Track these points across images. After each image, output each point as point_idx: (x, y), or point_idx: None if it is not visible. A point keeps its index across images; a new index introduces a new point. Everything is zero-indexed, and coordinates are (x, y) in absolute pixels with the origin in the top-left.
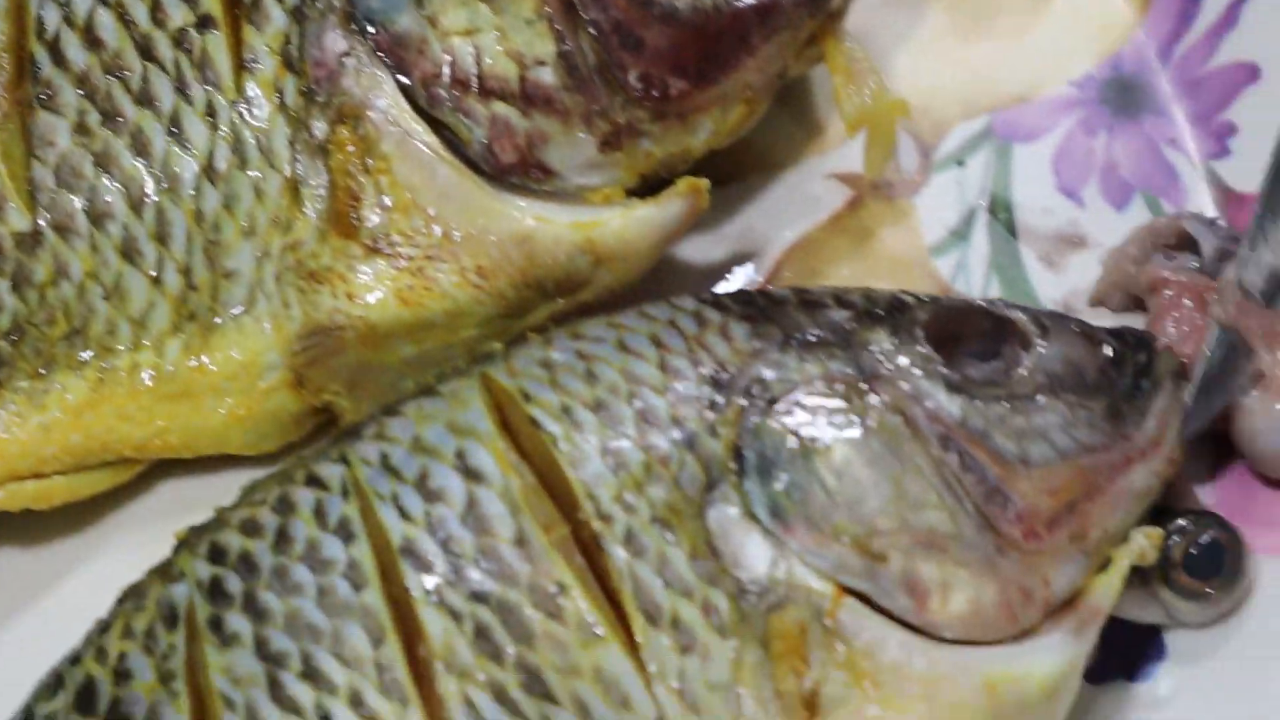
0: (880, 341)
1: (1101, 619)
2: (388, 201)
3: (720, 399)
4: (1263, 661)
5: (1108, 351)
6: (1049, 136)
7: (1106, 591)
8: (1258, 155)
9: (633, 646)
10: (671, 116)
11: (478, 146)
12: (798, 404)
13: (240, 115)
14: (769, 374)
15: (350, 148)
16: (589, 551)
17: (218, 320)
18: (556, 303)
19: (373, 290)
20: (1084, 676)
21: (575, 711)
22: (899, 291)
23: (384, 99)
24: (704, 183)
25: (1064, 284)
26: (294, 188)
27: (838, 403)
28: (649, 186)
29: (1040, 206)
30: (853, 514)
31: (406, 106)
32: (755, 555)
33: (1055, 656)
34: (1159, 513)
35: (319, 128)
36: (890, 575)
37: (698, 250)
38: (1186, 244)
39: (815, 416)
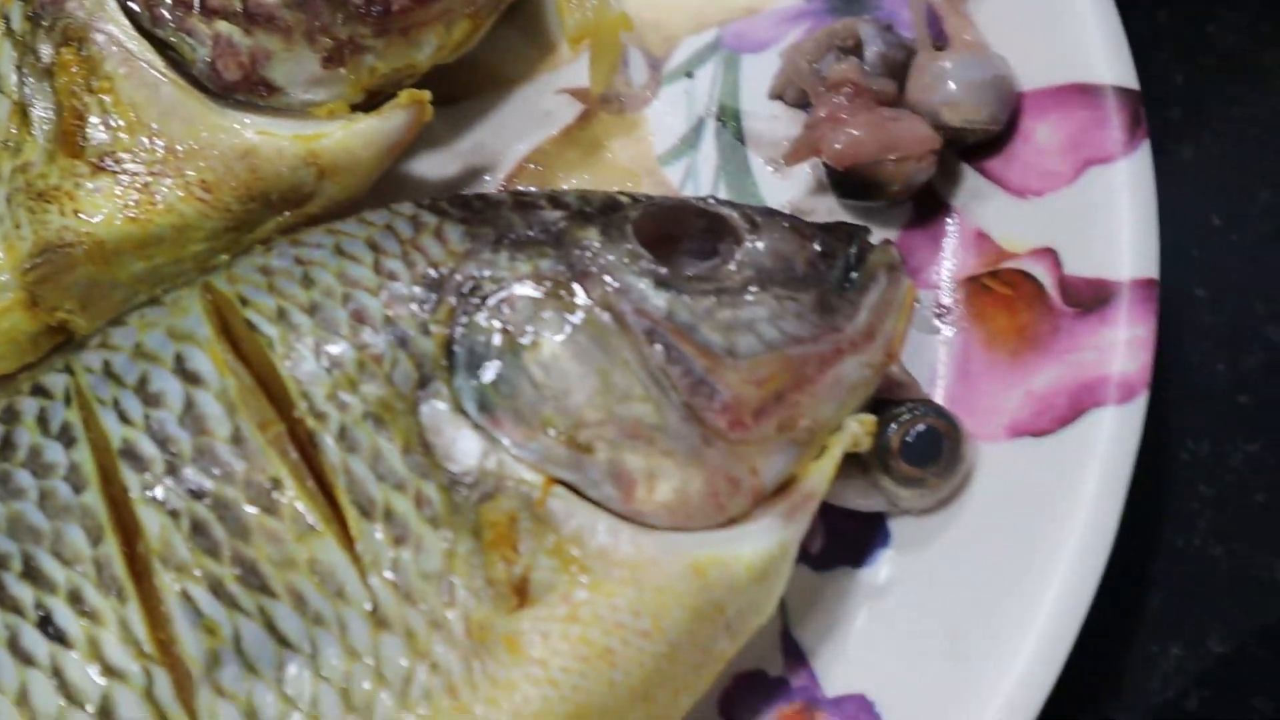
0: (590, 240)
1: (813, 505)
2: (112, 121)
3: (433, 298)
4: (980, 544)
5: (817, 246)
6: (776, 46)
7: (819, 478)
8: None
9: (348, 539)
10: (394, 32)
11: (202, 65)
12: (507, 301)
13: None
14: (481, 273)
15: (75, 69)
16: (305, 448)
17: None
18: (283, 216)
19: (100, 207)
20: (812, 565)
21: (292, 603)
22: (616, 193)
23: (108, 20)
24: (425, 94)
25: (791, 188)
26: (22, 111)
27: (546, 299)
28: (377, 102)
29: (767, 114)
30: (560, 407)
31: (130, 27)
32: (466, 449)
33: (763, 540)
34: (880, 404)
35: (45, 51)
36: (597, 466)
37: (432, 166)
38: (859, 48)
39: (524, 313)
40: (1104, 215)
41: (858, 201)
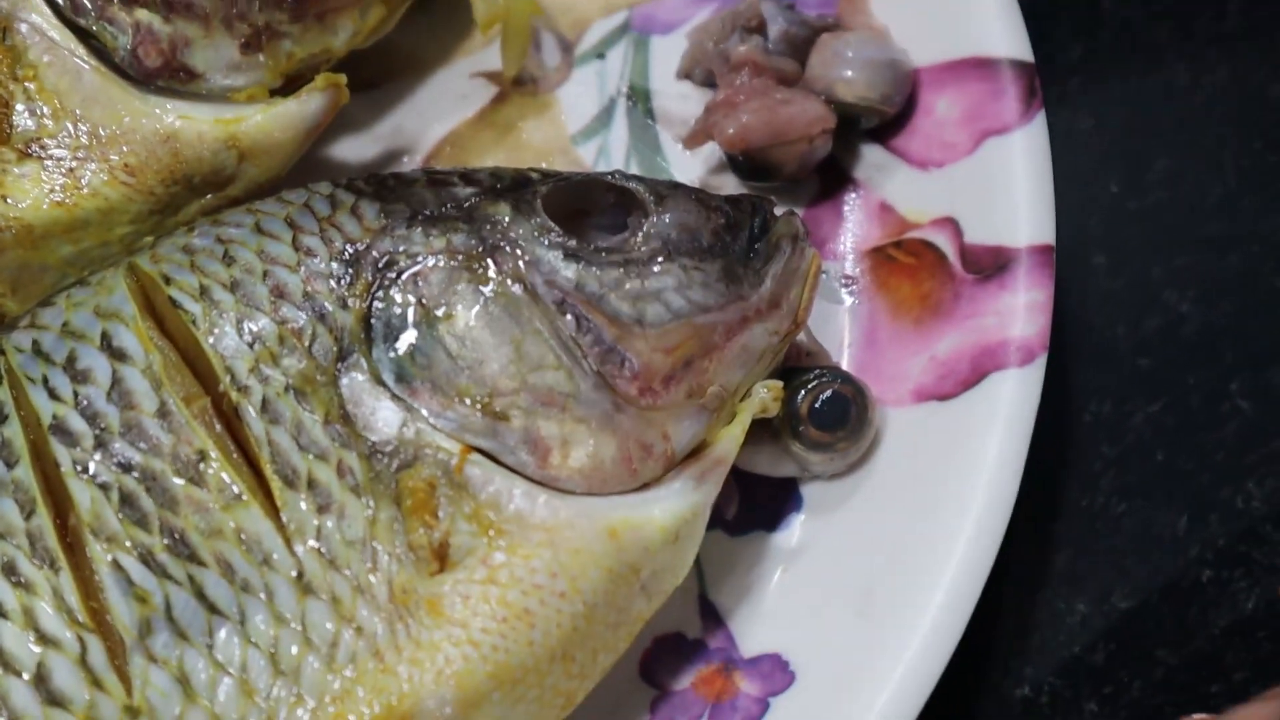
0: (501, 215)
1: (724, 469)
2: (38, 108)
3: (350, 273)
4: (888, 506)
5: (723, 218)
6: (684, 28)
7: (729, 443)
8: None
9: (273, 508)
10: (310, 18)
11: (123, 53)
12: (422, 275)
13: None
14: (396, 248)
15: None
16: (229, 421)
17: None
18: (206, 198)
19: (27, 193)
20: (727, 530)
21: (220, 571)
22: (526, 170)
23: (30, 10)
24: (341, 78)
25: (699, 165)
26: None
27: (459, 273)
28: (295, 86)
29: (677, 93)
30: (475, 376)
31: (52, 17)
32: (385, 419)
33: (675, 504)
34: (789, 371)
35: None
36: (513, 433)
37: (351, 150)
38: (763, 28)
39: (438, 286)
40: (1001, 184)
41: (757, 183)
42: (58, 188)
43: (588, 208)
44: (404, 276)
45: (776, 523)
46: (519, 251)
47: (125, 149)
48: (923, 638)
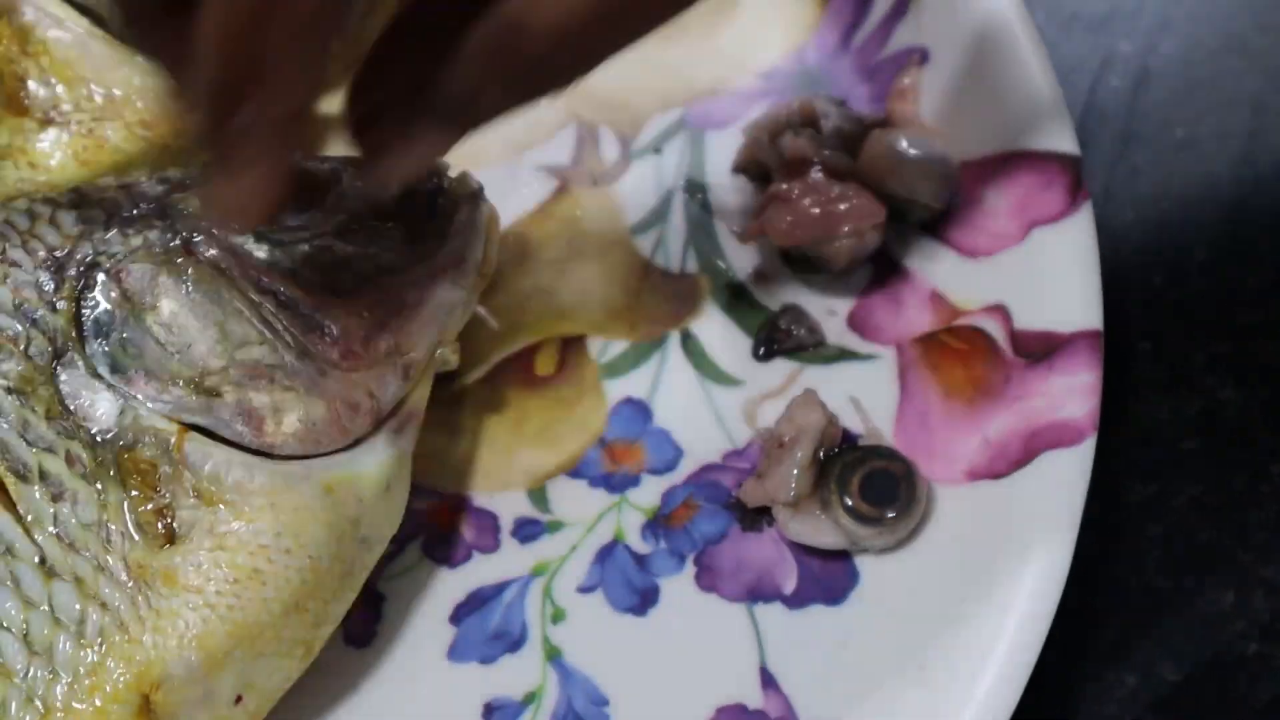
0: (192, 207)
1: (418, 420)
2: (52, 79)
3: (55, 279)
4: (943, 580)
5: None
6: (738, 123)
7: (419, 397)
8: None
9: (9, 502)
10: None
11: (116, 25)
12: (124, 273)
13: None
14: (96, 251)
15: (7, 40)
16: None
17: None
18: None
19: (51, 155)
20: (786, 603)
21: None
22: None
23: None
24: None
25: (755, 256)
26: None
27: (159, 267)
28: None
29: (732, 186)
30: (185, 360)
31: None
32: (104, 408)
33: (381, 455)
34: (843, 450)
35: None
36: (226, 407)
37: None
38: (816, 123)
39: (140, 281)
40: (1050, 272)
41: (809, 275)
42: (81, 148)
43: None
44: (106, 276)
45: (834, 597)
46: (212, 240)
47: (140, 105)
48: (977, 707)
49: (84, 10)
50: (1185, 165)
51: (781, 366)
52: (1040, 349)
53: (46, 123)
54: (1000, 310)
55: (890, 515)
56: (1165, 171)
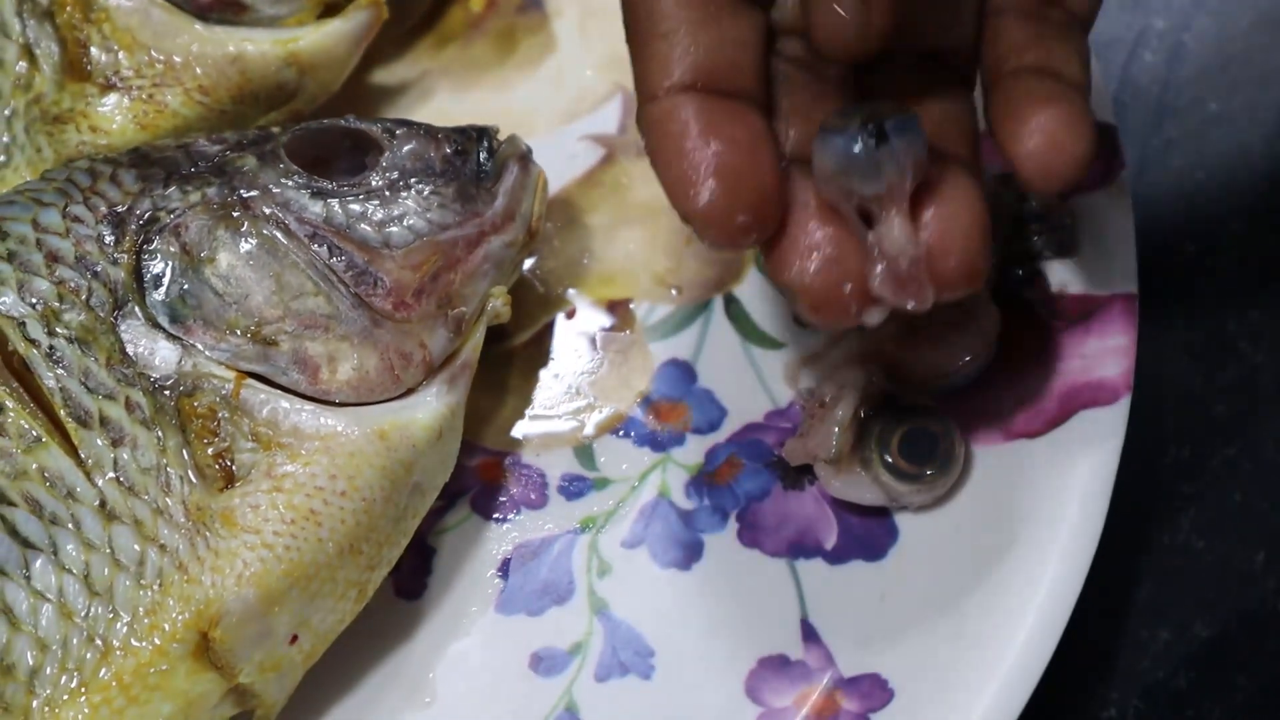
0: (248, 165)
1: (470, 371)
2: (113, 45)
3: (116, 233)
4: (981, 536)
5: (450, 145)
6: None
7: (471, 349)
8: None
9: (71, 447)
10: None
11: None
12: (182, 227)
13: None
14: (156, 206)
15: (70, 7)
16: (20, 375)
17: None
18: (270, 114)
19: (112, 120)
20: (827, 558)
21: (29, 508)
22: (269, 126)
23: None
24: None
25: None
26: (28, 51)
27: (216, 221)
28: (330, 14)
29: None
30: (242, 310)
31: None
32: (164, 356)
33: (434, 405)
34: (884, 409)
35: None
36: (282, 355)
37: None
38: None
39: (198, 235)
40: (1088, 238)
41: None
42: (141, 113)
43: (327, 155)
44: (166, 230)
45: (874, 553)
46: (269, 195)
47: (199, 71)
48: (1015, 657)
49: None
50: (1218, 138)
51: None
52: (1077, 312)
53: (108, 88)
54: (1039, 273)
55: (929, 473)
56: (1199, 144)
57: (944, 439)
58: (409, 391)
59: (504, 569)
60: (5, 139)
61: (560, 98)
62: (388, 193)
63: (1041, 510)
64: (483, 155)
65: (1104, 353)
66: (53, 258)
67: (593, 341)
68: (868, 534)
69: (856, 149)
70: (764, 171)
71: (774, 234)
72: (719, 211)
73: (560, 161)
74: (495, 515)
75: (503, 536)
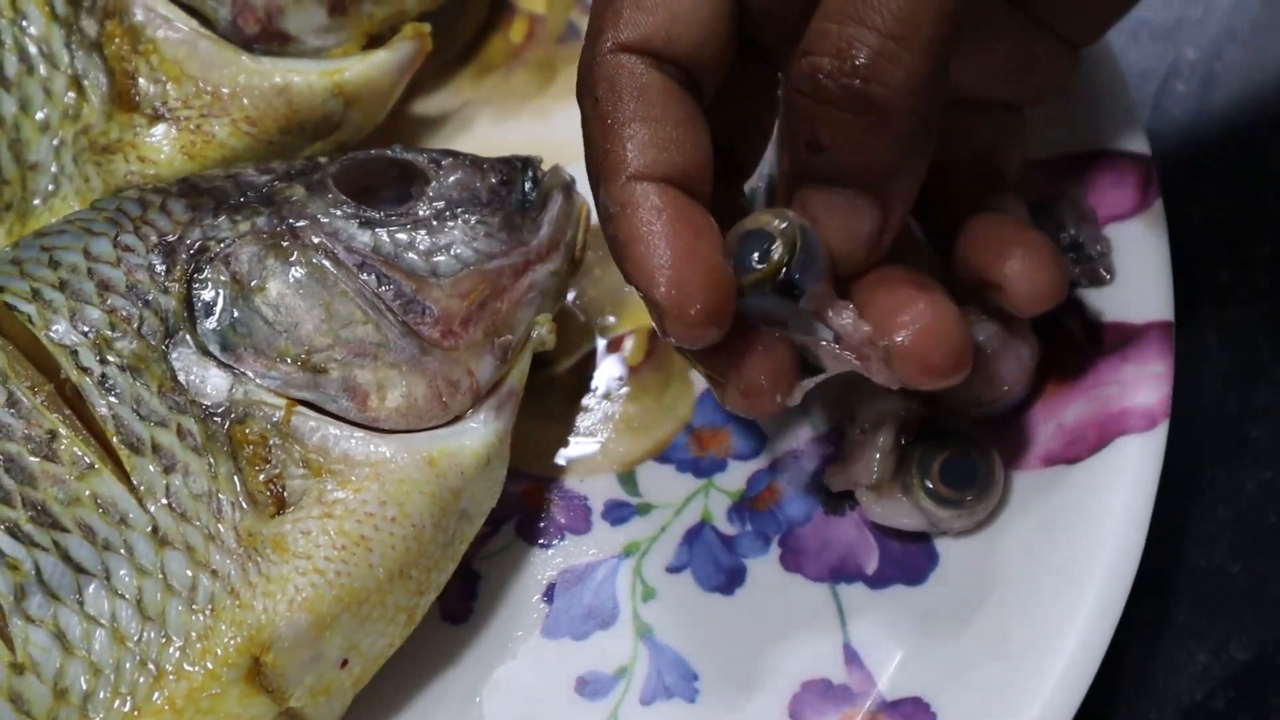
0: (296, 195)
1: (517, 399)
2: (160, 76)
3: (167, 263)
4: (1021, 560)
5: (496, 175)
6: None
7: (517, 375)
8: None
9: (123, 473)
10: None
11: (224, 23)
12: (232, 256)
13: (19, 29)
14: (205, 236)
15: (119, 39)
16: (73, 403)
17: (36, 203)
18: (316, 144)
19: (160, 150)
20: (869, 583)
21: (82, 534)
22: (316, 157)
23: None
24: (425, 26)
25: None
26: (77, 81)
27: (266, 250)
28: (376, 46)
29: None
30: (292, 338)
31: None
32: (215, 384)
33: (482, 432)
34: (923, 434)
35: (90, 26)
36: (332, 383)
37: None
38: None
39: (248, 264)
40: (1124, 266)
41: None
42: (188, 143)
43: (374, 184)
44: (216, 259)
45: (915, 578)
46: (317, 225)
47: (246, 102)
48: (1057, 679)
49: (192, 11)
50: (1250, 166)
51: None
52: (1115, 339)
53: (156, 118)
54: (1076, 302)
55: (969, 498)
56: (1231, 172)
57: (984, 465)
58: (457, 419)
59: (549, 594)
60: (54, 169)
61: None
62: (434, 222)
63: (1080, 536)
64: (528, 185)
65: (1141, 379)
66: (104, 286)
67: (635, 370)
68: (908, 559)
69: (774, 311)
70: (721, 269)
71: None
72: (683, 299)
73: None
74: (540, 541)
75: (547, 562)
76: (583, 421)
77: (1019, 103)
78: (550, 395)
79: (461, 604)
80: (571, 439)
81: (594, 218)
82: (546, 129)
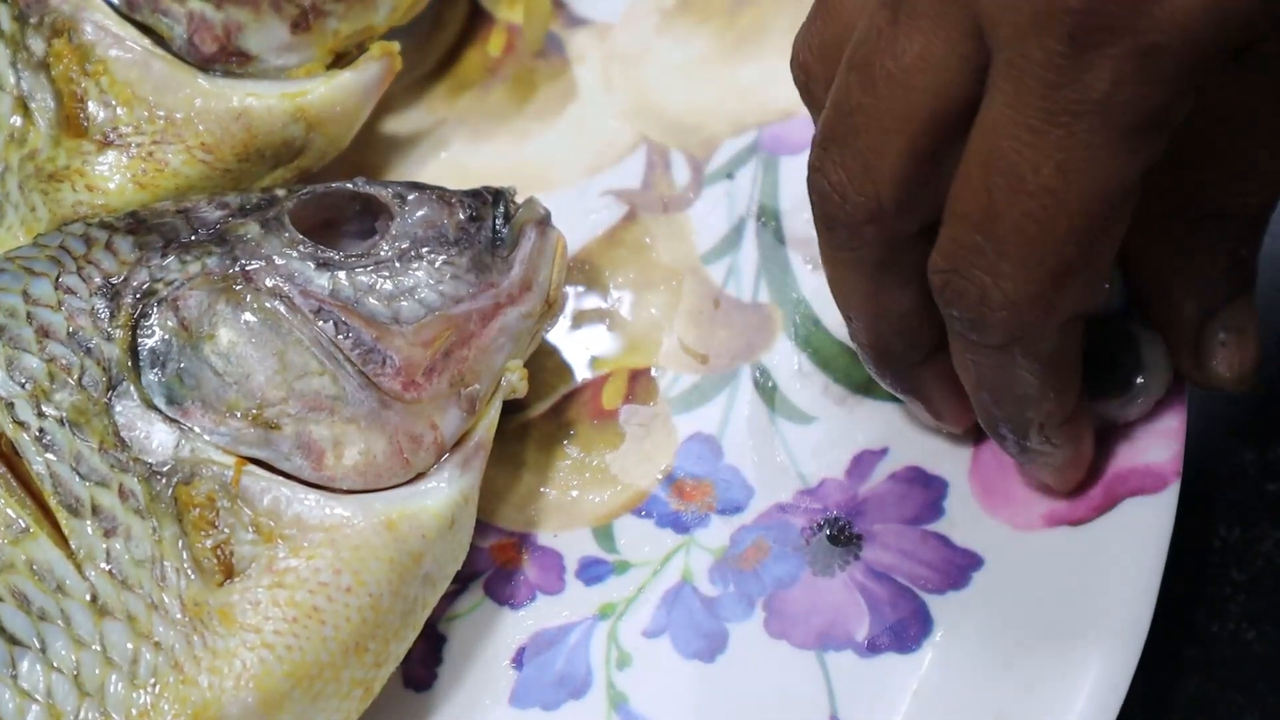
0: (251, 234)
1: (485, 453)
2: (111, 100)
3: (111, 307)
4: (1021, 627)
5: (465, 210)
6: None
7: (485, 427)
8: None
9: (61, 537)
10: None
11: (180, 42)
12: (181, 300)
13: None
14: (153, 278)
15: (68, 58)
16: (9, 460)
17: None
18: (277, 171)
19: (110, 179)
20: (858, 651)
21: (15, 603)
22: (274, 188)
23: (91, 10)
24: (394, 45)
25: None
26: (23, 104)
27: (216, 294)
28: (343, 64)
29: (806, 215)
30: (243, 390)
31: (112, 13)
32: (160, 440)
33: (445, 491)
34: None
35: (36, 45)
36: (285, 440)
37: None
38: None
39: (197, 309)
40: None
41: None
42: (140, 171)
43: (334, 218)
44: (163, 304)
45: (908, 644)
46: (272, 267)
47: (201, 128)
48: None
49: (145, 29)
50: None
51: (856, 404)
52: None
53: (106, 145)
54: None
55: (1141, 379)
56: None
57: (1147, 343)
58: (419, 476)
59: (518, 659)
60: None
61: (581, 149)
62: (398, 263)
63: (1084, 602)
64: (498, 221)
65: (1152, 435)
66: (44, 333)
67: (614, 413)
68: (899, 623)
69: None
70: None
71: None
72: None
73: (580, 218)
74: (510, 601)
75: (518, 624)
76: (558, 471)
77: None
78: (523, 442)
79: (425, 669)
80: (544, 490)
81: (569, 247)
82: (524, 150)
